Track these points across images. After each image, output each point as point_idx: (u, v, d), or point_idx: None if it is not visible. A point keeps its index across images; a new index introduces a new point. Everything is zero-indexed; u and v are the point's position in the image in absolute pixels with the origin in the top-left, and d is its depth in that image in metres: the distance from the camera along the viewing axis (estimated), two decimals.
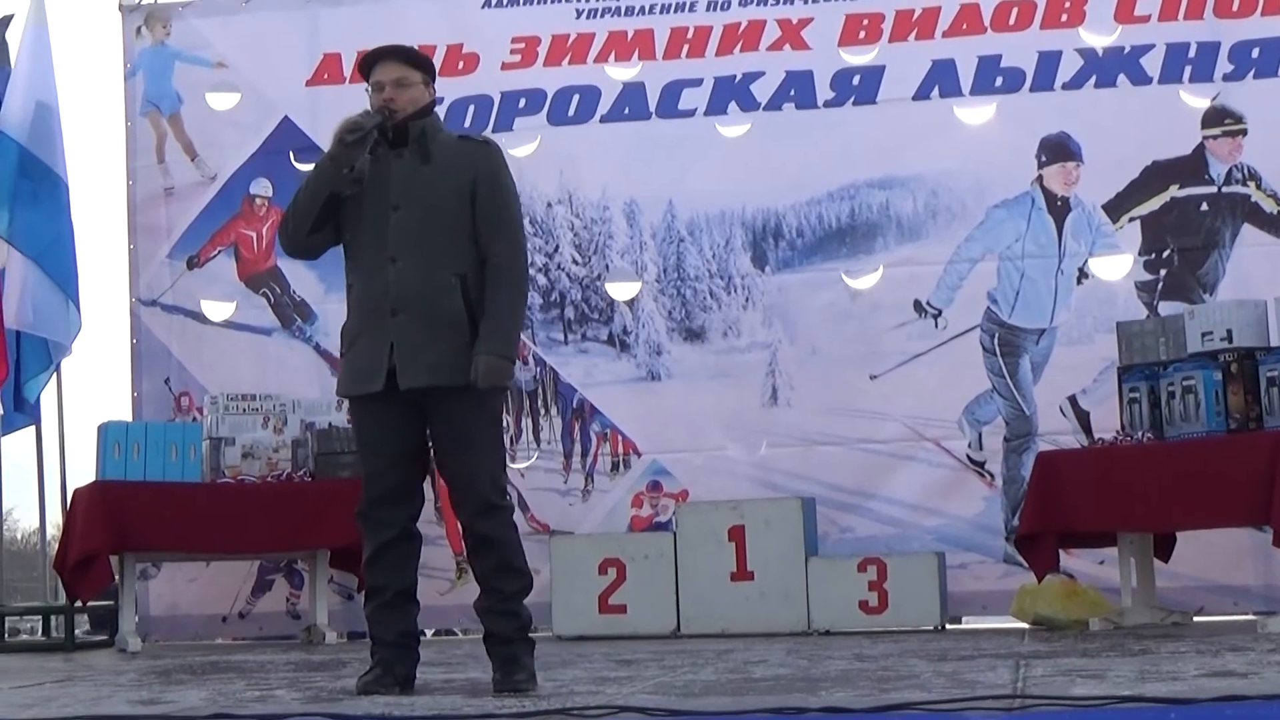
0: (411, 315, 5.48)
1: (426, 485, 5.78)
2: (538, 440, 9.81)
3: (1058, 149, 9.37)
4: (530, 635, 5.61)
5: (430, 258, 5.52)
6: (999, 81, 9.48)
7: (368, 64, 5.71)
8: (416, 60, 5.75)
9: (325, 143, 9.81)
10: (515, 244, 5.66)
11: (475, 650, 6.12)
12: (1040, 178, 9.38)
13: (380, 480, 5.58)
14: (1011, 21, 9.49)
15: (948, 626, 8.75)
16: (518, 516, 9.45)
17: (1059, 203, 9.34)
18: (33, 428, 10.01)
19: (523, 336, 9.49)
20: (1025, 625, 8.53)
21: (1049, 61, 9.42)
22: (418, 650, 5.66)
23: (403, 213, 5.54)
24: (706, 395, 9.64)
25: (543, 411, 9.82)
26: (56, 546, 9.47)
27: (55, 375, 9.84)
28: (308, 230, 5.65)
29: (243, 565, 9.89)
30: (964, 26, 9.55)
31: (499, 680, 5.44)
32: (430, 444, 5.63)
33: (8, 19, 9.99)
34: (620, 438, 9.73)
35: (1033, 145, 9.40)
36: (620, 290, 9.84)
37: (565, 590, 8.99)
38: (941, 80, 9.54)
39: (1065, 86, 9.40)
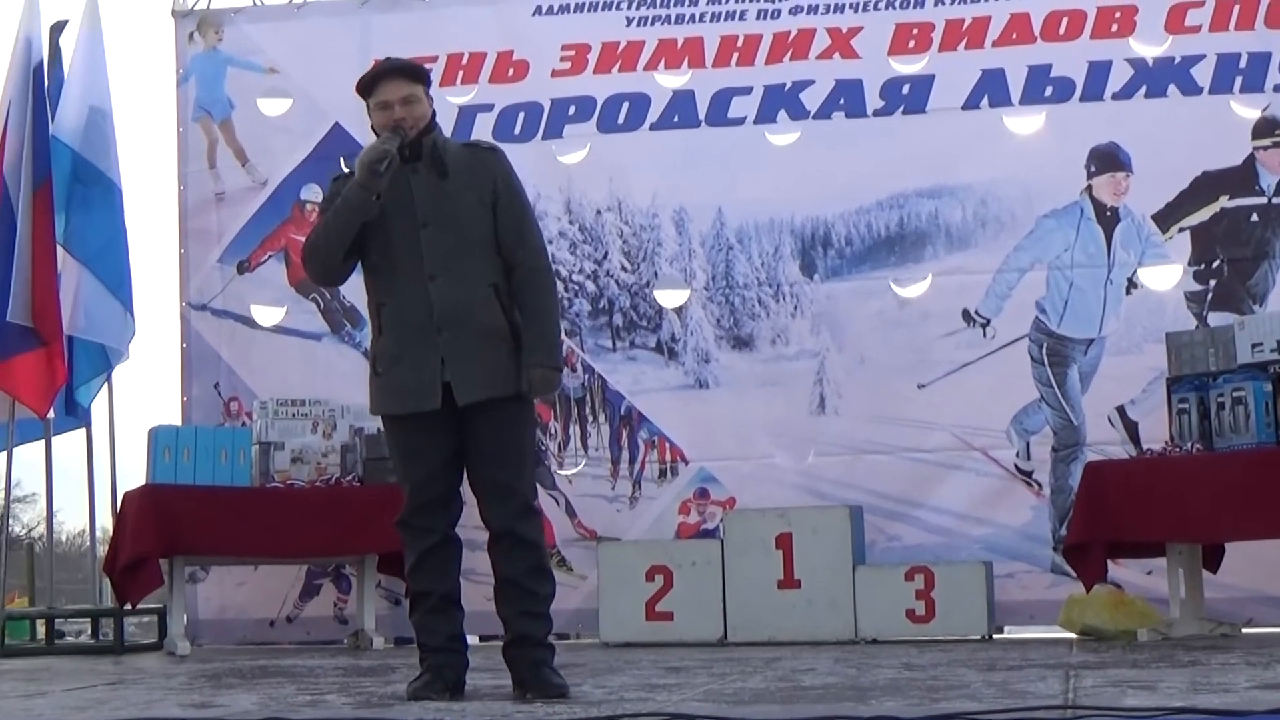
0: (457, 331, 5.52)
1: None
2: (585, 447, 9.83)
3: (1107, 159, 9.35)
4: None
5: (466, 272, 5.56)
6: (1049, 91, 9.46)
7: (370, 83, 5.69)
8: (418, 74, 5.73)
9: None
10: (540, 247, 5.76)
11: None
12: (1089, 188, 9.35)
13: (424, 489, 5.61)
14: (1061, 31, 9.47)
15: (994, 636, 8.73)
16: (565, 522, 9.63)
17: (1108, 213, 9.31)
18: (83, 431, 10.06)
19: (571, 343, 9.62)
20: (1073, 635, 8.51)
21: (1099, 71, 9.39)
22: (466, 655, 5.69)
23: (432, 229, 5.56)
24: (754, 403, 9.64)
25: (590, 418, 9.84)
26: (105, 549, 9.54)
27: (106, 379, 9.89)
28: (341, 259, 5.64)
29: (291, 569, 9.94)
30: (1014, 36, 9.54)
31: (535, 685, 5.46)
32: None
33: (62, 24, 10.07)
34: (668, 445, 9.74)
35: (1082, 155, 9.37)
36: (669, 298, 9.85)
37: (612, 596, 9.01)
38: (991, 90, 9.52)
39: (1115, 96, 9.38)
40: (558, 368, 5.65)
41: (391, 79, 5.65)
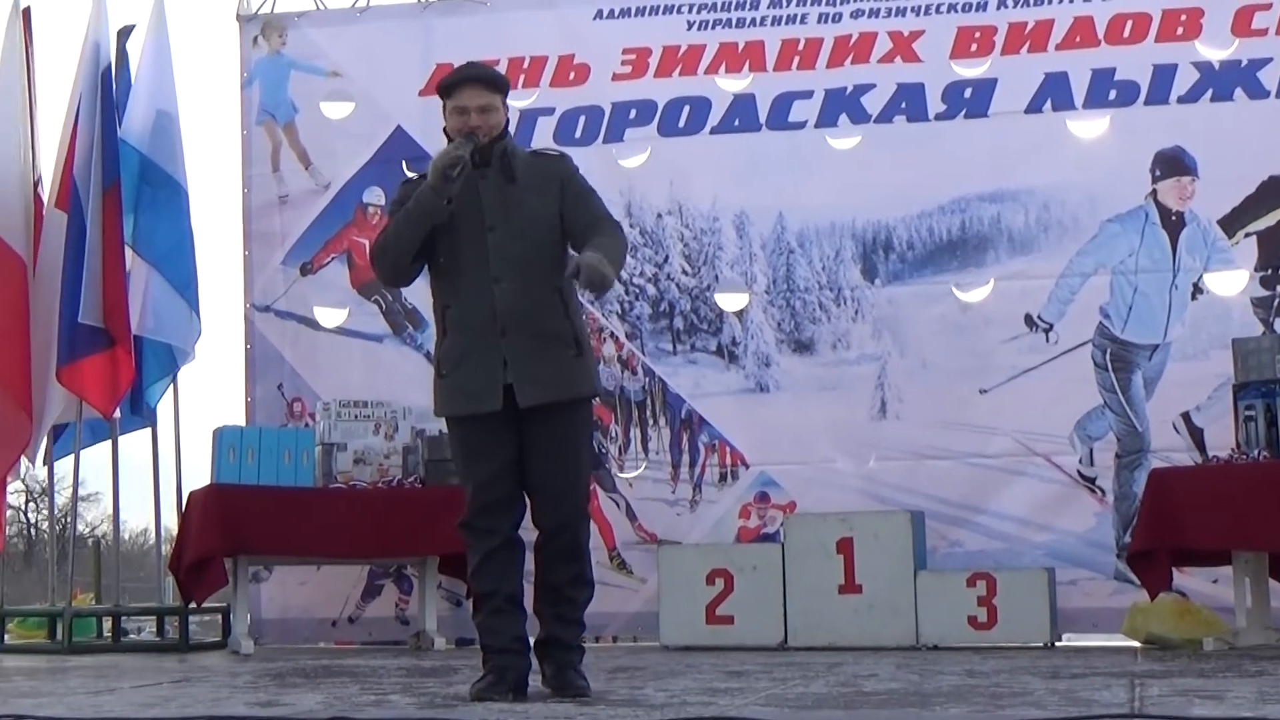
0: (520, 334, 5.58)
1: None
2: (646, 450, 9.84)
3: (1172, 163, 9.29)
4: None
5: (530, 275, 5.63)
6: (1113, 94, 9.41)
7: (450, 86, 5.75)
8: (498, 84, 5.82)
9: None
10: (617, 224, 5.78)
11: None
12: (1154, 192, 9.30)
13: (486, 491, 5.65)
14: (1126, 34, 9.42)
15: (1056, 644, 8.68)
16: (625, 525, 9.64)
17: (1173, 217, 9.25)
18: (148, 431, 10.13)
19: (632, 346, 9.62)
20: (1136, 644, 8.45)
21: (1164, 74, 9.33)
22: (529, 656, 5.73)
23: (499, 233, 5.63)
24: (815, 407, 9.62)
25: (651, 421, 9.85)
26: (170, 548, 9.62)
27: (172, 379, 9.96)
28: (410, 260, 5.71)
29: (353, 570, 9.99)
30: (1077, 39, 9.49)
31: (559, 684, 5.58)
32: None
33: (129, 29, 10.14)
34: (728, 449, 9.73)
35: (1147, 159, 9.32)
36: (729, 301, 9.85)
37: (673, 600, 9.01)
38: (1054, 93, 9.48)
39: (1181, 100, 9.31)
40: (614, 265, 5.46)
41: (472, 86, 5.72)
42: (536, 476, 5.66)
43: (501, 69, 9.86)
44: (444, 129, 5.76)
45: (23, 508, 40.49)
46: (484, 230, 5.62)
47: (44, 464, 10.11)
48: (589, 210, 5.73)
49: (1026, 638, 8.56)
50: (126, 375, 9.44)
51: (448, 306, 5.72)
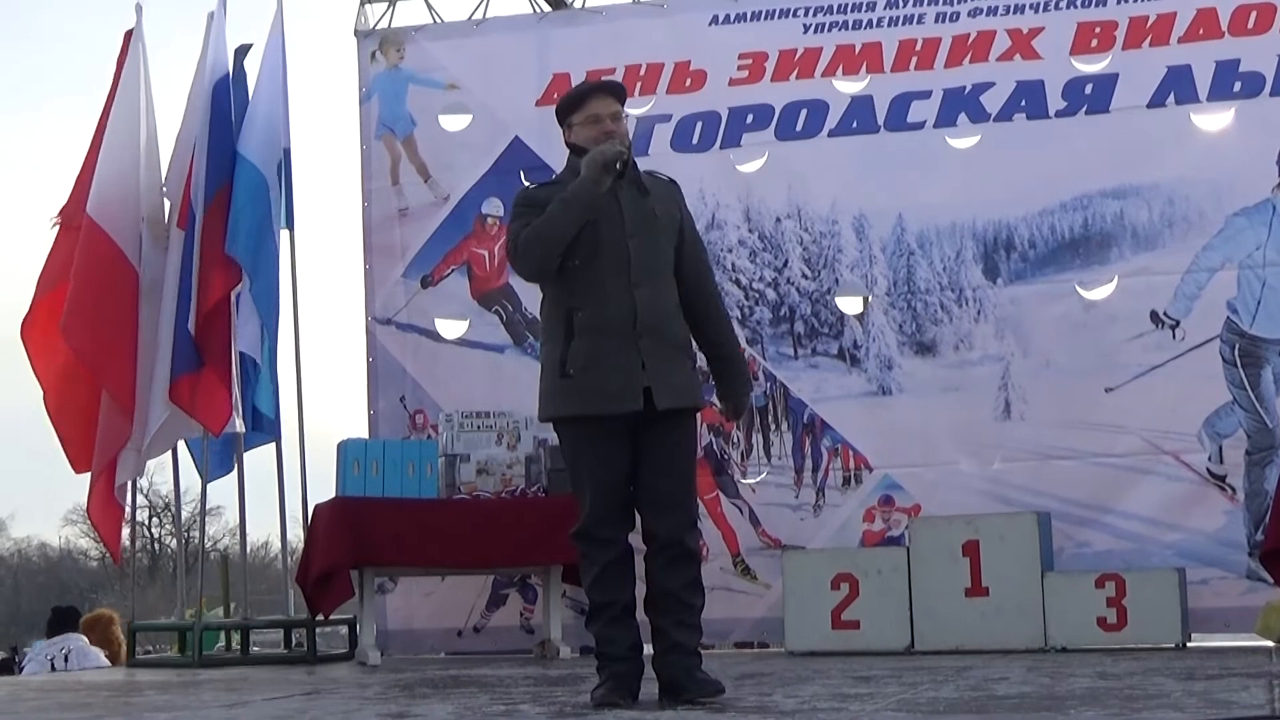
0: (656, 339, 5.69)
1: None
2: (768, 455, 9.80)
3: None
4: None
5: (663, 284, 5.80)
6: (1237, 86, 9.25)
7: (578, 99, 5.92)
8: (623, 95, 6.02)
9: (556, 162, 9.96)
10: (716, 282, 6.30)
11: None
12: None
13: (608, 496, 5.71)
14: (1250, 25, 9.25)
15: (1187, 644, 8.55)
16: (749, 530, 9.61)
17: None
18: (272, 445, 10.17)
19: (753, 351, 9.61)
20: (1270, 644, 8.31)
21: None
22: (642, 661, 5.78)
23: (638, 241, 5.76)
24: (938, 409, 9.54)
25: (773, 426, 9.81)
26: (295, 561, 9.69)
27: (297, 393, 10.00)
28: (560, 253, 5.72)
29: (477, 580, 10.03)
30: (1200, 31, 9.33)
31: (692, 686, 5.55)
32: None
33: (246, 47, 10.17)
34: (851, 452, 9.67)
35: (1273, 151, 9.14)
36: (850, 304, 9.80)
37: (797, 605, 8.96)
38: (1177, 87, 9.33)
39: None
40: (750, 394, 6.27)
41: (602, 95, 5.91)
42: (650, 484, 5.71)
43: (618, 77, 9.94)
44: (570, 143, 5.91)
45: (146, 523, 41.19)
46: (625, 236, 5.73)
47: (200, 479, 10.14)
48: (703, 262, 6.12)
49: (1157, 639, 8.43)
50: (226, 392, 9.36)
51: (577, 309, 5.73)
